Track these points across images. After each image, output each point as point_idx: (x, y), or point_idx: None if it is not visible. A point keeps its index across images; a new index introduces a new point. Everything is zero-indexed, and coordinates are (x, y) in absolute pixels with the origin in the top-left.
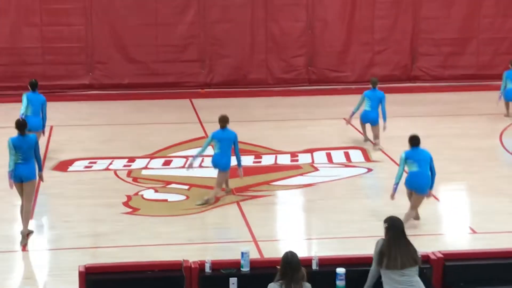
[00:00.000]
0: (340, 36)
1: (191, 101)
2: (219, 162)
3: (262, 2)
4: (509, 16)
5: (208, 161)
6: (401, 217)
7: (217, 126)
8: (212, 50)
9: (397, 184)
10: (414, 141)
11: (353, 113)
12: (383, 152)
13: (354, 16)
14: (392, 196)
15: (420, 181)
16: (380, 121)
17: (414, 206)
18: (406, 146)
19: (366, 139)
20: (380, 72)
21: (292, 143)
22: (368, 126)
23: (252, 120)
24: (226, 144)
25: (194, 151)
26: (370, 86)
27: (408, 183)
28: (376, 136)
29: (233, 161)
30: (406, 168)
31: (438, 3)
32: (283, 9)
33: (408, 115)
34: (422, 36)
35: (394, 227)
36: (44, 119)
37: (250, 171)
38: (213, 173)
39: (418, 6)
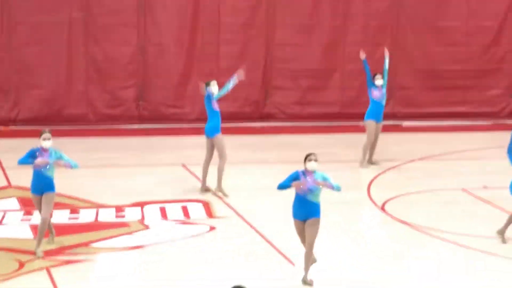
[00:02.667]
0: (178, 65)
1: None
2: None
3: (81, 20)
4: (380, 43)
5: (10, 217)
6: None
7: (24, 173)
8: (18, 78)
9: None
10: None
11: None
12: (229, 206)
13: (196, 40)
14: None
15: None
16: None
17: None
18: (258, 199)
19: (207, 189)
20: (227, 108)
21: (118, 194)
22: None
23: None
24: None
25: None
26: None
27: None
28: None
29: None
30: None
31: (295, 27)
32: (108, 29)
33: (260, 161)
34: (276, 66)
35: None
36: None
37: (64, 229)
38: (15, 232)
39: (271, 30)
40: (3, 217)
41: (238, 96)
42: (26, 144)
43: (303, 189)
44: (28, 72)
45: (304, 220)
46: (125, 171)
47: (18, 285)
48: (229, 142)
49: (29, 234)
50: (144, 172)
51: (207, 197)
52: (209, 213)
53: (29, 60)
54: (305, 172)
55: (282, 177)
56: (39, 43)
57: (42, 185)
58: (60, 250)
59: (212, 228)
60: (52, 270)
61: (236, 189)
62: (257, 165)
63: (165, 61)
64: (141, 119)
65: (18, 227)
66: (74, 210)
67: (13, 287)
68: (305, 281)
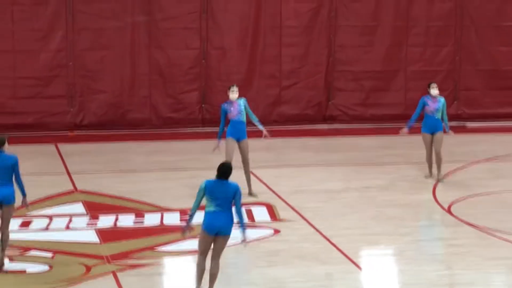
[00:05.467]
0: (240, 68)
1: (57, 147)
2: None
3: (144, 25)
4: (442, 45)
5: (76, 222)
6: None
7: (89, 177)
8: (82, 83)
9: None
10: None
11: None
12: (293, 208)
13: (257, 44)
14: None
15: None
16: None
17: None
18: (322, 202)
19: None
20: (289, 110)
21: (182, 198)
22: None
23: (132, 170)
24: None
25: (60, 209)
26: None
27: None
28: None
29: None
30: None
31: (357, 29)
32: (171, 33)
33: (323, 163)
34: (339, 68)
35: None
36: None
37: (130, 233)
38: (82, 236)
39: (333, 31)
40: (69, 221)
41: (301, 98)
42: (91, 149)
43: None
44: (92, 77)
45: (216, 234)
46: (189, 174)
47: None
48: (292, 144)
49: (95, 239)
50: (208, 175)
51: (272, 200)
52: (273, 216)
53: (93, 65)
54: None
55: (344, 179)
56: (103, 48)
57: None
58: (126, 254)
59: (276, 231)
60: (118, 274)
61: (300, 192)
62: (320, 167)
63: (227, 64)
64: (204, 122)
65: (84, 232)
66: (139, 214)
67: None
68: None
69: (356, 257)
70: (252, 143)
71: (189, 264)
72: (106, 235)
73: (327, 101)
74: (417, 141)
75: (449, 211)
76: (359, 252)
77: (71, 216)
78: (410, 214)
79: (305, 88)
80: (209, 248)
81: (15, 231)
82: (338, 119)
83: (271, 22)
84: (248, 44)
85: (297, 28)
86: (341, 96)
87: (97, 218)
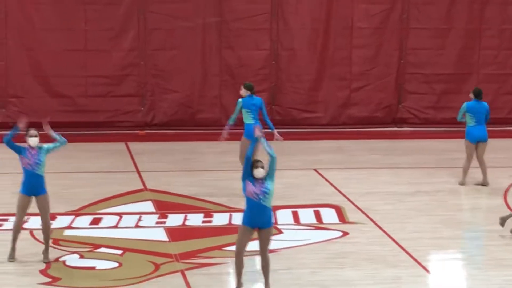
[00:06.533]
0: (310, 69)
1: (127, 145)
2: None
3: (215, 25)
4: None
5: (146, 220)
6: None
7: (158, 176)
8: (154, 83)
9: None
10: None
11: None
12: (361, 211)
13: (328, 45)
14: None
15: None
16: None
17: None
18: (390, 205)
19: None
20: (359, 113)
21: None
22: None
23: (202, 170)
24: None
25: (130, 207)
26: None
27: None
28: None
29: None
30: None
31: (429, 32)
32: (242, 34)
33: (392, 166)
34: (410, 71)
35: None
36: None
37: (198, 232)
38: (151, 234)
39: (405, 34)
40: (139, 219)
41: (371, 101)
42: (161, 148)
43: (255, 192)
44: (163, 77)
45: (255, 228)
46: None
47: (154, 287)
48: (361, 146)
49: (164, 237)
50: (276, 176)
51: (340, 202)
52: (342, 218)
53: (164, 65)
54: (254, 181)
55: (414, 182)
56: (174, 48)
57: (34, 186)
58: (194, 253)
59: (345, 233)
60: (187, 273)
61: (368, 194)
62: (390, 170)
63: (297, 66)
64: (274, 123)
65: (154, 230)
66: (207, 214)
67: None
68: None
69: (425, 261)
70: (321, 145)
71: (256, 264)
72: (175, 233)
73: (397, 103)
74: (490, 145)
75: None
76: (428, 256)
77: (140, 214)
78: (480, 218)
79: (375, 90)
80: None
81: (86, 228)
82: (408, 122)
83: (342, 24)
84: (319, 46)
85: (368, 29)
86: (412, 99)
87: (166, 216)
